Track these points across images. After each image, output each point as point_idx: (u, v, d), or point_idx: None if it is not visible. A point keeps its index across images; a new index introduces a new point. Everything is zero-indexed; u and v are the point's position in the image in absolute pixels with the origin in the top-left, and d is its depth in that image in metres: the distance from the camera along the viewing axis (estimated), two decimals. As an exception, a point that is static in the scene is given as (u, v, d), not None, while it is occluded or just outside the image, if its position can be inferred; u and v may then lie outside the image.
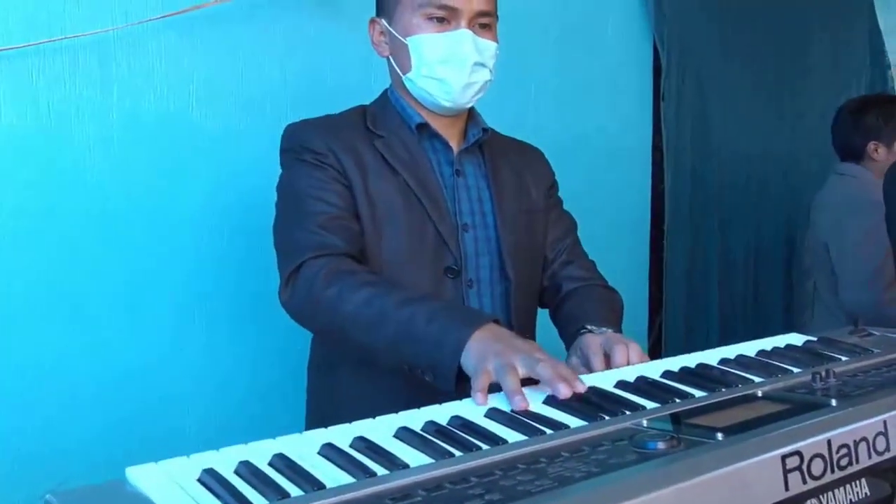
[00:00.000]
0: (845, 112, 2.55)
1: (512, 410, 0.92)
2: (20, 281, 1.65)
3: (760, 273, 3.08)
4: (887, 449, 0.84)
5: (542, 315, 1.56)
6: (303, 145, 1.35)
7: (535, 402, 0.95)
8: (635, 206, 2.83)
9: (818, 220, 2.53)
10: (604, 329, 1.29)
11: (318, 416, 1.41)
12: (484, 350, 1.04)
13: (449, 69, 1.34)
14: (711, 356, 1.15)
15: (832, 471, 0.79)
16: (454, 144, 1.43)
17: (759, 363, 1.12)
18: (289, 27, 1.94)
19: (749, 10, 2.98)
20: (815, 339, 1.26)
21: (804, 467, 0.76)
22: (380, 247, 1.34)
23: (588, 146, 2.63)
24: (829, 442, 0.79)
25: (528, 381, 1.00)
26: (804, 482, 0.76)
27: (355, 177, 1.33)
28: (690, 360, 1.13)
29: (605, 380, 1.04)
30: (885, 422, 0.85)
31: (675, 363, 1.11)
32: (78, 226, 1.71)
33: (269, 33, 1.93)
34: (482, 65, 1.36)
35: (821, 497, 0.82)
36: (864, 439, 0.82)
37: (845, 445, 0.80)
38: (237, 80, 1.88)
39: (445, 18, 1.33)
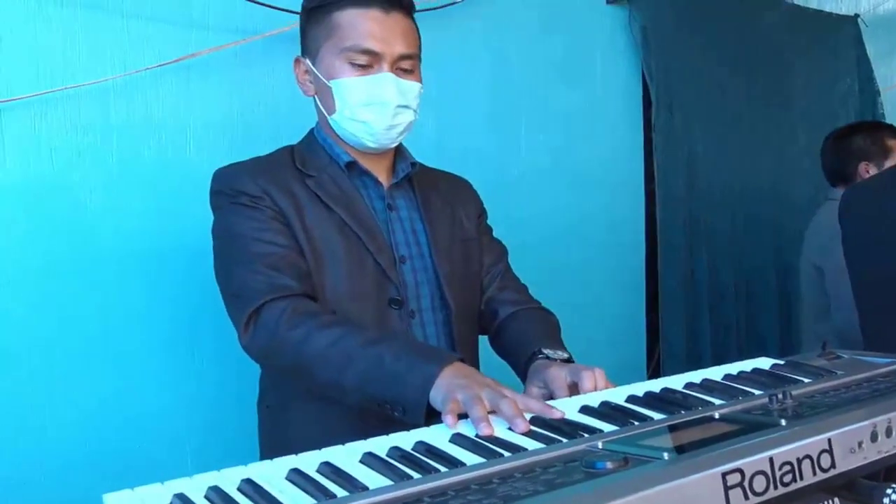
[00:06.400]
0: (832, 138, 2.60)
1: (477, 435, 0.96)
2: (18, 317, 1.73)
3: (752, 301, 3.11)
4: (832, 466, 0.87)
5: (483, 342, 1.57)
6: (236, 189, 1.36)
7: (499, 427, 0.99)
8: (630, 234, 2.88)
9: (811, 244, 2.58)
10: (559, 353, 1.33)
11: (270, 456, 1.41)
12: (451, 384, 1.10)
13: (372, 112, 1.37)
14: (677, 381, 1.18)
15: (775, 487, 0.82)
16: (384, 180, 1.46)
17: (723, 387, 1.15)
18: (281, 72, 2.01)
19: (736, 39, 3.05)
20: (782, 362, 1.29)
21: (745, 484, 0.80)
22: (322, 283, 1.35)
23: (580, 178, 2.69)
24: (770, 459, 0.82)
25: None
26: (746, 498, 0.80)
27: (292, 216, 1.35)
28: (657, 384, 1.17)
29: (569, 405, 1.08)
30: (829, 440, 0.88)
31: (640, 388, 1.15)
32: (77, 267, 1.78)
33: (262, 79, 2.01)
34: (406, 107, 1.39)
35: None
36: (808, 457, 0.86)
37: (788, 463, 0.84)
38: (232, 124, 1.96)
39: (368, 63, 1.35)
